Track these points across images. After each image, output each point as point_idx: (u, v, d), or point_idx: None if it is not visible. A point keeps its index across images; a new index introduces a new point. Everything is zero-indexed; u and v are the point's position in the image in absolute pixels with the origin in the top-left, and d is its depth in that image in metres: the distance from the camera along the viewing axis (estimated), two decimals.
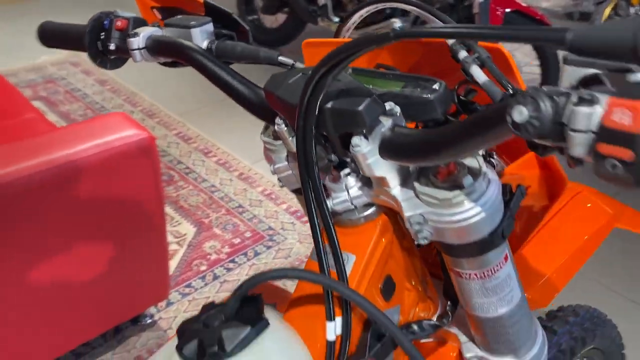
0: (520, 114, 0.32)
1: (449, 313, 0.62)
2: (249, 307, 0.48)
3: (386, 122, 0.46)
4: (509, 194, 0.48)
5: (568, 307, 1.05)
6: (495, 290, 0.51)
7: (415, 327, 0.58)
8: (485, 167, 0.45)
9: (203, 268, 1.88)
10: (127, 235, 1.43)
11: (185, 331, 0.47)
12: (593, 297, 1.64)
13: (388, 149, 0.46)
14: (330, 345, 0.50)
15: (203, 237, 2.02)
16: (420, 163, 0.45)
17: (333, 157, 0.49)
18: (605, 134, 0.30)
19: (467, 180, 0.43)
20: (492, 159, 0.54)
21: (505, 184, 0.49)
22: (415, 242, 0.47)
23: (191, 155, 2.51)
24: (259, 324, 0.47)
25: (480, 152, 0.47)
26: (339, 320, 0.51)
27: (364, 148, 0.45)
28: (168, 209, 2.17)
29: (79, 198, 1.31)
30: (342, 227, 0.53)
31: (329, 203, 0.51)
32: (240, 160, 2.46)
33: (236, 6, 3.53)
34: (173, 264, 1.87)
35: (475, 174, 0.44)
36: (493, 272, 0.49)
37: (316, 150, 0.47)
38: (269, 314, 0.50)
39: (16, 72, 3.10)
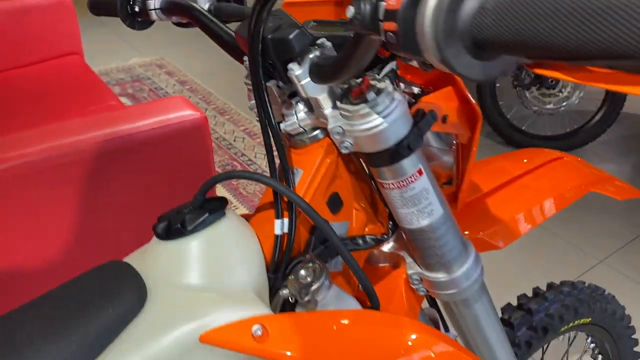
0: (349, 11, 0.43)
1: (390, 231, 0.71)
2: (214, 203, 0.61)
3: (315, 52, 0.57)
4: (420, 116, 0.57)
5: (568, 281, 1.09)
6: (413, 200, 0.59)
7: (359, 240, 0.68)
8: (390, 88, 0.55)
9: None
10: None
11: (162, 217, 0.60)
12: (613, 284, 1.65)
13: (314, 72, 0.57)
14: (277, 238, 0.62)
15: None
16: (333, 82, 0.56)
17: (280, 84, 0.61)
18: (386, 15, 0.41)
19: (371, 95, 0.53)
20: (406, 87, 0.64)
21: (419, 108, 0.59)
22: (341, 151, 0.58)
23: (254, 149, 2.70)
24: (216, 213, 0.59)
25: (385, 71, 0.58)
26: (286, 220, 0.62)
27: (296, 71, 0.57)
28: (227, 194, 2.36)
29: (139, 165, 1.51)
30: (295, 147, 0.65)
31: (282, 126, 0.63)
32: None
33: None
34: None
35: (380, 92, 0.54)
36: (408, 182, 0.58)
37: (266, 79, 0.59)
38: (231, 212, 0.62)
39: (109, 72, 3.46)
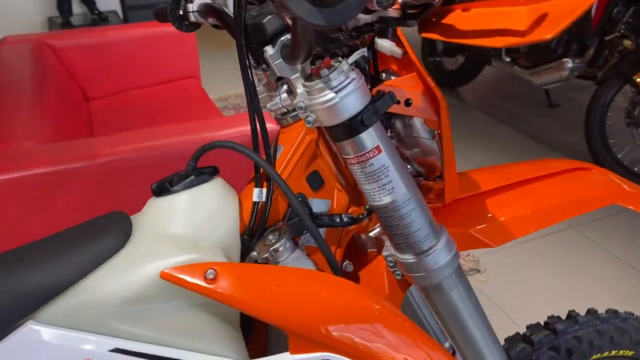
0: None
1: (366, 212, 0.74)
2: (204, 170, 0.69)
3: (286, 35, 0.64)
4: (379, 96, 0.61)
5: (612, 309, 1.01)
6: (373, 176, 0.62)
7: (336, 218, 0.72)
8: (346, 67, 0.59)
9: None
10: None
11: (161, 179, 0.70)
12: None
13: (283, 53, 0.63)
14: (254, 205, 0.68)
15: None
16: (295, 62, 0.61)
17: (264, 66, 0.68)
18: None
19: (324, 72, 0.58)
20: (387, 76, 0.67)
21: (380, 90, 0.62)
22: (306, 126, 0.63)
23: None
24: (200, 177, 0.67)
25: (354, 57, 0.62)
26: (265, 190, 0.68)
27: (269, 52, 0.64)
28: None
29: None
30: (282, 127, 0.72)
31: (268, 105, 0.70)
32: None
33: (420, 49, 3.77)
34: None
35: (334, 70, 0.59)
36: (367, 157, 0.61)
37: (251, 61, 0.67)
38: (218, 179, 0.70)
39: (227, 97, 3.77)
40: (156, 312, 0.61)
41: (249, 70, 0.67)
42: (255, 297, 0.59)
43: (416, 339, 0.63)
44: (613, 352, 0.97)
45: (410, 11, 0.59)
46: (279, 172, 0.68)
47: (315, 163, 0.71)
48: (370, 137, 0.61)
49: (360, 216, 0.73)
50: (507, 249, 2.21)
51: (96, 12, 4.51)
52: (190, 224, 0.65)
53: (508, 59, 3.09)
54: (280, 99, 0.68)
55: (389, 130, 0.74)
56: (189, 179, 0.67)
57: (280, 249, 0.65)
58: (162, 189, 0.67)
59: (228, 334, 0.65)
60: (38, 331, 0.58)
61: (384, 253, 0.71)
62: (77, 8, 4.58)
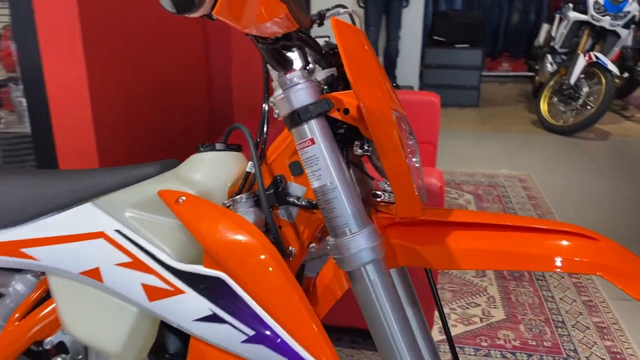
0: None
1: None
2: (231, 146, 0.94)
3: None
4: (318, 101, 0.76)
5: None
6: (307, 163, 0.76)
7: (299, 201, 0.86)
8: (296, 77, 0.75)
9: None
10: None
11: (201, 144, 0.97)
12: None
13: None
14: (246, 174, 0.89)
15: None
16: (276, 70, 0.80)
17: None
18: None
19: (282, 76, 0.77)
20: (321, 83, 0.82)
21: (323, 97, 0.77)
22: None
23: None
24: (220, 148, 0.91)
25: (323, 75, 0.80)
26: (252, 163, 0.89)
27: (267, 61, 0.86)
28: None
29: None
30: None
31: (270, 99, 0.89)
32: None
33: None
34: None
35: (289, 75, 0.77)
36: (303, 145, 0.76)
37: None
38: (236, 153, 0.93)
39: (474, 174, 3.86)
40: (153, 221, 0.88)
41: (266, 76, 0.90)
42: (195, 223, 0.81)
43: (293, 298, 0.76)
44: None
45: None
46: (269, 155, 0.89)
47: (297, 155, 0.89)
48: (308, 130, 0.78)
49: (316, 202, 0.87)
50: None
51: None
52: (199, 172, 0.90)
53: None
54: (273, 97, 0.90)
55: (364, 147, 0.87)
56: (210, 147, 0.93)
57: (237, 201, 0.85)
58: (197, 150, 0.95)
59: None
60: (88, 208, 0.91)
61: (327, 238, 0.84)
62: None
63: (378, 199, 0.90)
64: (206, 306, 0.81)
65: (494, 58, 7.51)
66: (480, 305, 2.27)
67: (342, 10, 0.89)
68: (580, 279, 2.47)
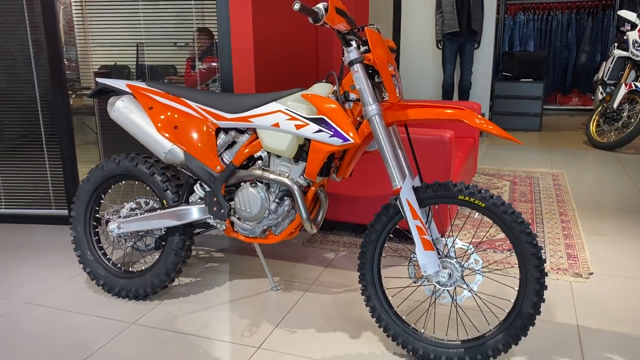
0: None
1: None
2: None
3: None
4: None
5: None
6: (356, 82, 2.06)
7: (354, 100, 2.16)
8: (353, 48, 2.08)
9: None
10: None
11: None
12: None
13: None
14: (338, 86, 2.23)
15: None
16: None
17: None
18: None
19: None
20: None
21: (361, 55, 2.08)
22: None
23: None
24: (322, 81, 2.25)
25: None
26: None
27: None
28: None
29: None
30: None
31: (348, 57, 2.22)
32: None
33: None
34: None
35: (348, 48, 2.09)
36: (354, 72, 2.07)
37: None
38: (330, 83, 2.26)
39: (515, 170, 4.93)
40: (297, 105, 2.25)
41: (342, 48, 2.24)
42: (315, 100, 2.16)
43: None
44: None
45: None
46: (343, 84, 2.22)
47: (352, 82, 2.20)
48: (357, 67, 2.09)
49: (358, 98, 2.17)
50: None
51: None
52: (316, 89, 2.25)
53: None
54: (345, 57, 2.23)
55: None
56: (322, 81, 2.28)
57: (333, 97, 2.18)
58: (314, 83, 2.30)
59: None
60: (273, 103, 2.29)
61: None
62: None
63: (384, 99, 2.18)
64: (317, 127, 2.13)
65: (565, 94, 8.45)
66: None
67: (372, 25, 2.20)
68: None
